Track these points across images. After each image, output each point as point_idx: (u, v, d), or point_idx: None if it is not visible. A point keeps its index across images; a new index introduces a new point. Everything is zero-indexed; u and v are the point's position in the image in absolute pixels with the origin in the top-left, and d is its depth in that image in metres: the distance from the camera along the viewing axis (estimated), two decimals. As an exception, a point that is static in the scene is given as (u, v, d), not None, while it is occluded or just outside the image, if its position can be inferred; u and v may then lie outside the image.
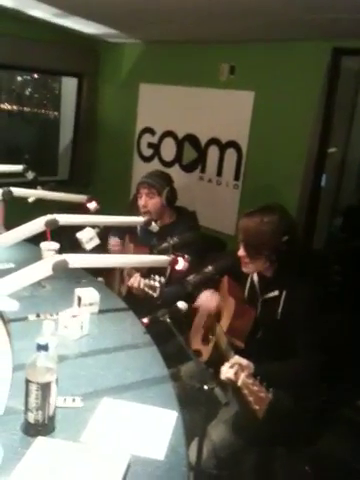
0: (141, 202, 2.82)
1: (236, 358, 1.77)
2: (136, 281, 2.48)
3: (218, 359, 1.87)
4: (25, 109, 5.80)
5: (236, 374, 1.69)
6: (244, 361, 1.77)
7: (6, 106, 5.51)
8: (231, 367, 1.74)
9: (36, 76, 5.78)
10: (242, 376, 1.64)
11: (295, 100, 3.61)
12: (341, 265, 3.85)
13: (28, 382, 1.35)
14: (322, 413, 2.04)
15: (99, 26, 4.15)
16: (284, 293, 1.99)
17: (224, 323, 2.03)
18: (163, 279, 2.30)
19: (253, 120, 3.87)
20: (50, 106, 5.87)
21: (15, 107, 5.67)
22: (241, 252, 2.04)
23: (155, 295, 2.25)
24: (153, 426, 1.50)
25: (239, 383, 1.65)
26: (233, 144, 4.03)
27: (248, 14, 2.98)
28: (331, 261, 3.87)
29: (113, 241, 2.97)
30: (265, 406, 1.54)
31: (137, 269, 2.63)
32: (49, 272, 1.58)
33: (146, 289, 2.28)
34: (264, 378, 1.62)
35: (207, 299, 2.22)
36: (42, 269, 1.59)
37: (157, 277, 2.26)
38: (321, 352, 1.88)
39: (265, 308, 2.07)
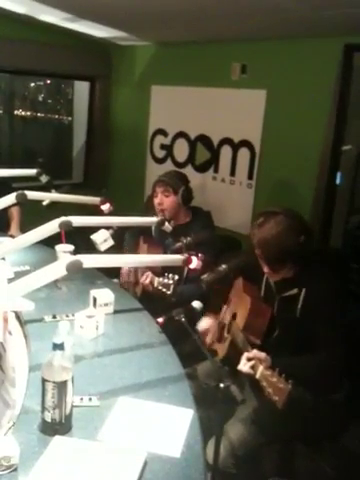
0: (157, 200, 2.83)
1: (254, 352, 1.77)
2: (148, 278, 2.49)
3: (234, 357, 1.87)
4: (39, 115, 5.87)
5: (254, 367, 1.69)
6: (262, 354, 1.76)
7: (20, 112, 5.58)
8: (249, 360, 1.74)
9: (49, 82, 5.84)
10: (260, 368, 1.64)
11: (308, 98, 3.59)
12: (358, 263, 3.81)
13: (44, 381, 1.36)
14: (345, 408, 2.01)
15: (110, 29, 4.18)
16: (303, 291, 1.97)
17: (240, 321, 2.02)
18: (177, 277, 2.31)
19: (266, 119, 3.86)
20: (63, 111, 5.93)
21: (29, 113, 5.73)
22: (266, 270, 2.01)
23: (168, 292, 2.25)
24: (169, 424, 1.50)
25: (257, 375, 1.65)
26: (246, 143, 4.02)
27: (258, 12, 2.97)
28: (349, 258, 3.83)
29: (124, 270, 2.97)
30: (285, 397, 1.53)
31: (151, 268, 2.64)
32: (63, 272, 1.59)
33: (160, 287, 2.29)
34: (283, 371, 1.61)
35: (203, 329, 2.24)
36: (56, 269, 1.60)
37: (171, 275, 2.27)
38: (343, 346, 1.86)
39: (282, 306, 2.06)
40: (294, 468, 2.16)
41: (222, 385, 1.48)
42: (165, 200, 2.81)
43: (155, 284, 2.33)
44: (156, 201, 2.83)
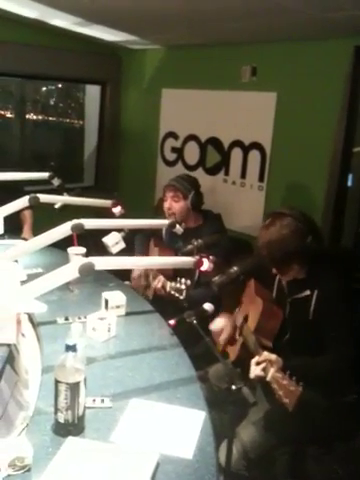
0: (166, 205, 2.84)
1: (265, 354, 1.77)
2: (160, 283, 2.50)
3: (246, 359, 1.87)
4: (50, 119, 5.91)
5: (265, 370, 1.69)
6: (273, 356, 1.76)
7: (32, 116, 5.62)
8: (259, 363, 1.74)
9: (60, 86, 5.89)
10: (271, 371, 1.64)
11: (318, 100, 3.59)
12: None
13: (57, 382, 1.38)
14: (357, 410, 2.00)
15: (120, 33, 4.21)
16: (316, 292, 1.97)
17: (252, 324, 2.03)
18: (189, 282, 2.32)
19: (276, 121, 3.86)
20: (74, 115, 5.97)
21: (40, 117, 5.78)
22: (274, 270, 2.04)
23: (181, 297, 2.26)
24: (181, 426, 1.51)
25: (268, 378, 1.65)
26: (256, 146, 4.02)
27: (267, 14, 2.97)
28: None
29: (135, 274, 2.98)
30: (295, 399, 1.54)
31: (162, 272, 2.65)
32: (76, 274, 1.60)
33: (172, 292, 2.30)
34: (294, 373, 1.61)
35: (218, 328, 2.24)
36: (69, 271, 1.61)
37: (183, 280, 2.28)
38: (354, 347, 1.85)
39: (294, 308, 2.06)
40: (306, 470, 2.16)
41: (234, 387, 1.48)
42: (174, 205, 2.81)
43: (167, 289, 2.34)
44: (166, 205, 2.84)
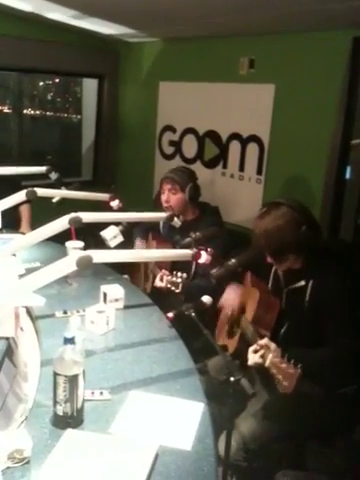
0: (164, 197, 2.83)
1: (265, 340, 1.78)
2: (163, 281, 2.49)
3: (244, 350, 1.87)
4: (48, 113, 5.89)
5: (263, 357, 1.70)
6: (272, 344, 1.77)
7: (29, 111, 5.61)
8: (257, 351, 1.75)
9: (57, 80, 5.87)
10: (270, 356, 1.65)
11: (316, 92, 3.57)
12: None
13: (56, 375, 1.38)
14: (356, 402, 2.00)
15: (117, 26, 4.18)
16: (311, 282, 1.97)
17: (249, 315, 2.03)
18: (185, 275, 2.32)
19: (274, 113, 3.84)
20: (72, 109, 5.95)
21: (38, 112, 5.76)
22: (269, 259, 2.04)
23: (177, 291, 2.27)
24: (180, 418, 1.51)
25: (267, 364, 1.66)
26: (255, 138, 4.00)
27: (265, 5, 2.95)
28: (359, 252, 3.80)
29: (138, 241, 2.99)
30: (295, 381, 1.55)
31: (161, 266, 2.65)
32: (74, 267, 1.60)
33: (168, 285, 2.31)
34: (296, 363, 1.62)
35: (230, 297, 2.24)
36: (67, 265, 1.61)
37: (179, 273, 2.29)
38: (352, 338, 1.86)
39: (290, 299, 2.06)
40: (305, 462, 2.16)
41: (232, 379, 1.48)
42: (172, 198, 2.81)
43: (164, 282, 2.35)
44: (163, 198, 2.84)
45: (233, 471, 1.95)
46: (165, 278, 2.31)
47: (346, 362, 1.88)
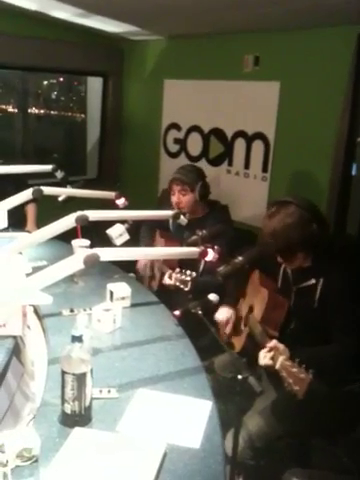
0: (174, 199, 2.82)
1: (274, 342, 1.77)
2: (172, 279, 2.49)
3: (251, 349, 1.87)
4: (52, 112, 5.90)
5: (273, 358, 1.69)
6: (281, 345, 1.77)
7: (34, 110, 5.61)
8: (268, 352, 1.74)
9: (61, 79, 5.87)
10: (280, 359, 1.64)
11: (322, 88, 3.56)
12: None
13: (64, 373, 1.38)
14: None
15: (121, 24, 4.18)
16: (321, 281, 1.96)
17: (257, 314, 2.02)
18: (194, 274, 2.31)
19: (280, 110, 3.83)
20: (76, 108, 5.95)
21: (43, 111, 5.77)
22: (279, 259, 2.03)
23: (186, 289, 2.26)
24: (188, 416, 1.51)
25: (277, 366, 1.66)
26: (260, 136, 3.99)
27: (270, 0, 2.94)
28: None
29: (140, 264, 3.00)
30: (306, 386, 1.54)
31: (167, 263, 2.65)
32: (81, 266, 1.59)
33: (177, 283, 2.30)
34: (300, 361, 1.61)
35: (221, 317, 2.25)
36: (74, 263, 1.61)
37: (188, 272, 2.28)
38: (357, 335, 1.85)
39: (300, 297, 2.05)
40: (312, 459, 2.16)
41: (240, 377, 1.48)
42: (183, 199, 2.81)
43: (173, 280, 2.34)
44: (174, 199, 2.83)
45: (240, 469, 1.95)
46: (174, 276, 2.30)
47: (352, 360, 1.87)
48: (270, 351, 1.75)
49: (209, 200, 2.90)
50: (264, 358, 1.76)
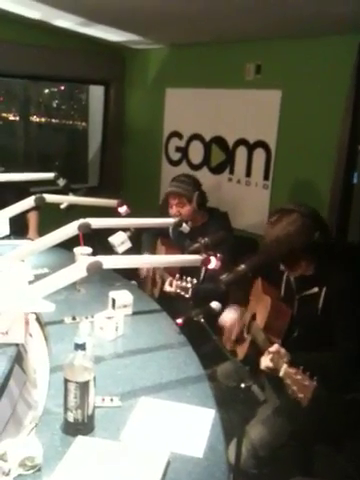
0: (172, 212, 2.83)
1: (276, 346, 1.77)
2: (173, 286, 2.48)
3: (255, 357, 1.86)
4: (54, 120, 5.92)
5: (273, 360, 1.69)
6: (282, 350, 1.77)
7: (35, 118, 5.63)
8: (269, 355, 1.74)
9: (63, 88, 5.89)
10: (284, 366, 1.63)
11: (323, 97, 3.57)
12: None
13: (67, 381, 1.37)
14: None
15: (123, 33, 4.21)
16: (324, 289, 1.96)
17: (260, 322, 2.02)
18: (195, 280, 2.31)
19: (281, 119, 3.85)
20: (78, 116, 5.97)
21: (44, 119, 5.79)
22: (282, 266, 2.04)
23: (187, 296, 2.26)
24: (191, 424, 1.50)
25: (281, 373, 1.65)
26: (261, 144, 4.01)
27: (271, 8, 2.95)
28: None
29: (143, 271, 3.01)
30: (310, 394, 1.53)
31: (169, 270, 2.64)
32: (84, 273, 1.59)
33: (178, 290, 2.30)
34: (305, 367, 1.61)
35: (228, 319, 2.25)
36: (77, 270, 1.61)
37: (189, 278, 2.28)
38: (358, 338, 1.85)
39: (303, 305, 2.05)
40: (316, 468, 2.14)
41: (243, 385, 1.47)
42: (182, 211, 2.82)
43: (173, 288, 2.34)
44: (172, 212, 2.83)
45: (243, 478, 1.93)
46: (175, 283, 2.30)
47: (352, 366, 1.87)
48: (271, 354, 1.75)
49: (208, 207, 2.91)
50: (265, 360, 1.75)
